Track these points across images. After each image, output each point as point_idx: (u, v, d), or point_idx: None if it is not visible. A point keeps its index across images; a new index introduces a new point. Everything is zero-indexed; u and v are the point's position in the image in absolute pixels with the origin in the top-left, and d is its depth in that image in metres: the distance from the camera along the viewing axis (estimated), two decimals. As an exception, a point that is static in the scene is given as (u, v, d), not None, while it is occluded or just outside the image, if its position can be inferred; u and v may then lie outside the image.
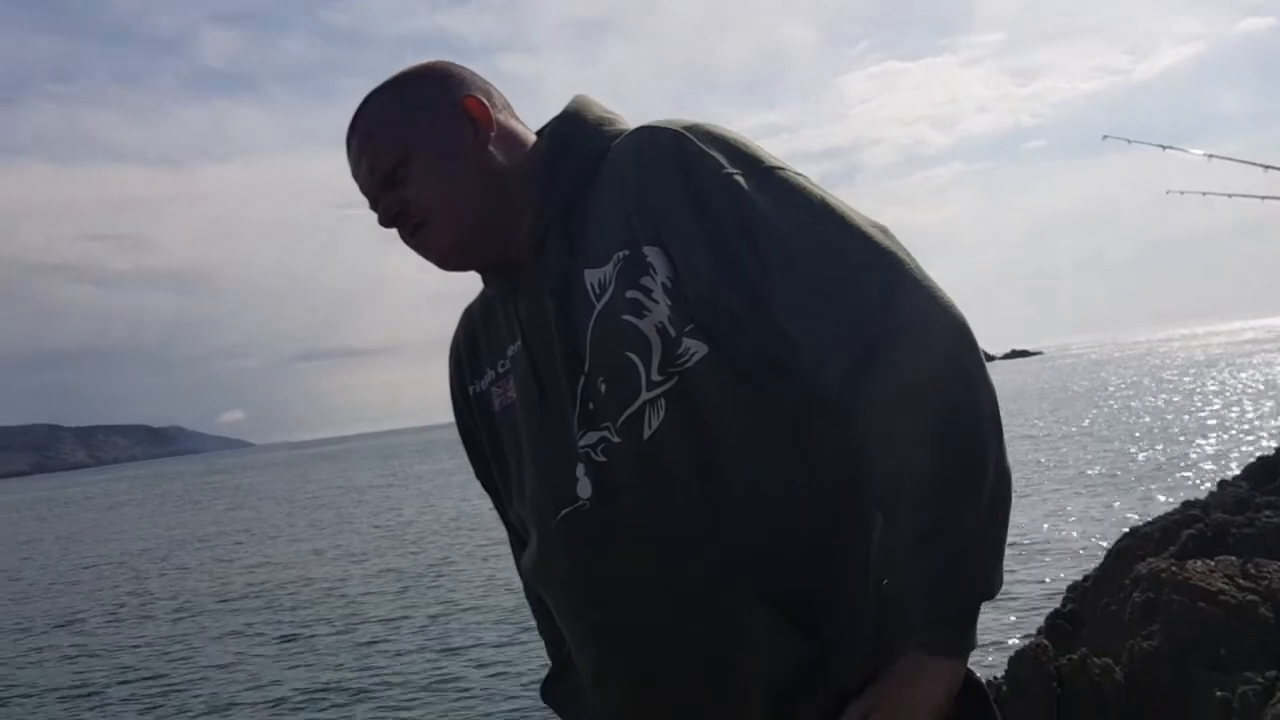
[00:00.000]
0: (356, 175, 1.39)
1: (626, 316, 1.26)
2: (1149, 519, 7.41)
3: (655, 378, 1.25)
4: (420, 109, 1.37)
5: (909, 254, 1.22)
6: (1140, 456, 22.25)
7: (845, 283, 1.19)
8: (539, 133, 1.43)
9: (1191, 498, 8.39)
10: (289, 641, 14.11)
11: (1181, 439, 24.96)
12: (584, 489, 1.30)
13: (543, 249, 1.35)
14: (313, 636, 14.19)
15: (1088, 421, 32.32)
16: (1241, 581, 5.03)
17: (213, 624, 16.32)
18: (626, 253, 1.27)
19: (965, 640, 1.21)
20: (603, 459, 1.28)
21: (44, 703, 12.52)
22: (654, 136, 1.28)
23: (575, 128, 1.39)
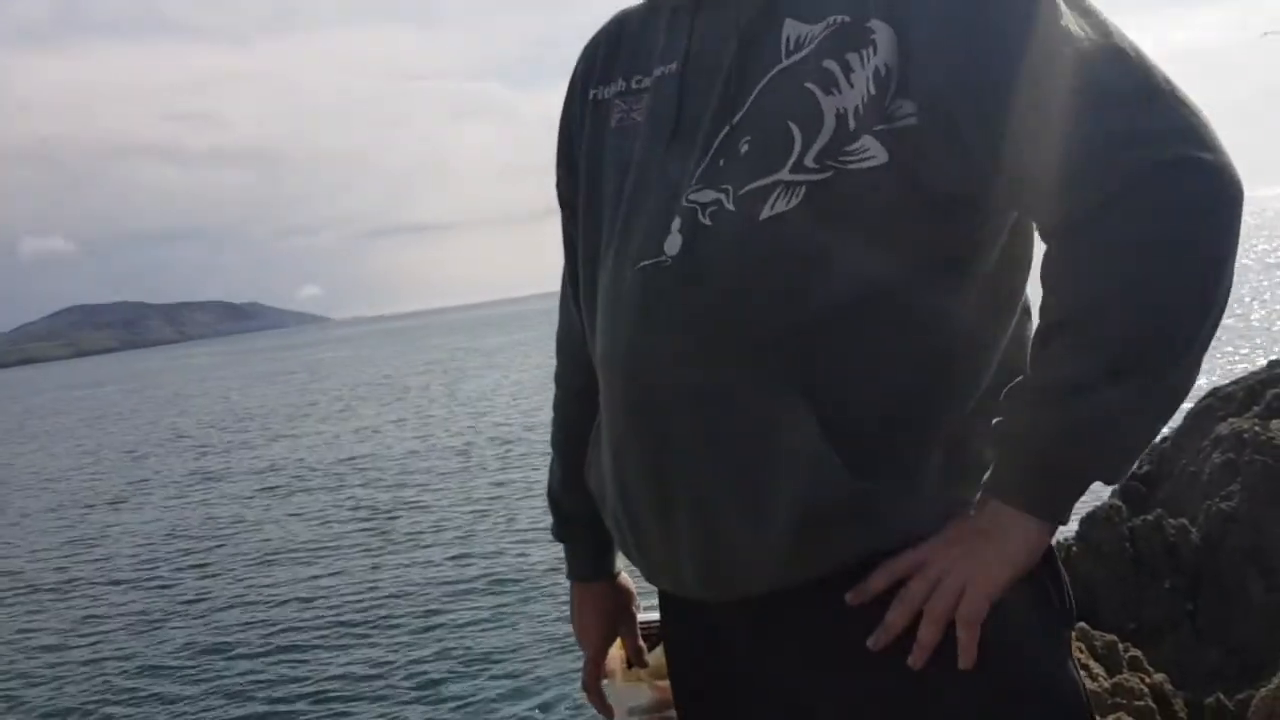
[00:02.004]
0: None
1: (810, 84, 1.11)
2: (1232, 378, 7.21)
3: (809, 163, 1.11)
4: None
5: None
6: (1227, 315, 21.71)
7: (1132, 114, 1.03)
8: None
9: (1278, 357, 8.14)
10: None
11: (1269, 300, 24.23)
12: (672, 245, 1.17)
13: None
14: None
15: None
16: (1328, 441, 4.88)
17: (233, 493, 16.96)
18: (846, 19, 1.11)
19: (1066, 509, 1.10)
20: (707, 222, 1.15)
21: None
22: None
23: None
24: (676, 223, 1.18)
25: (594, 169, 1.33)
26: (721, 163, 1.16)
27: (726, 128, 1.16)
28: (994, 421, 1.15)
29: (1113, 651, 3.85)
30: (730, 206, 1.14)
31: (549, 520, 1.57)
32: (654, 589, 1.39)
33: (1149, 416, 1.08)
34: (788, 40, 1.14)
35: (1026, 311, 1.25)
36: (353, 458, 20.15)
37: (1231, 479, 4.84)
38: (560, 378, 1.55)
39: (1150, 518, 4.83)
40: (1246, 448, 4.88)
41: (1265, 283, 28.49)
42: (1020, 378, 1.12)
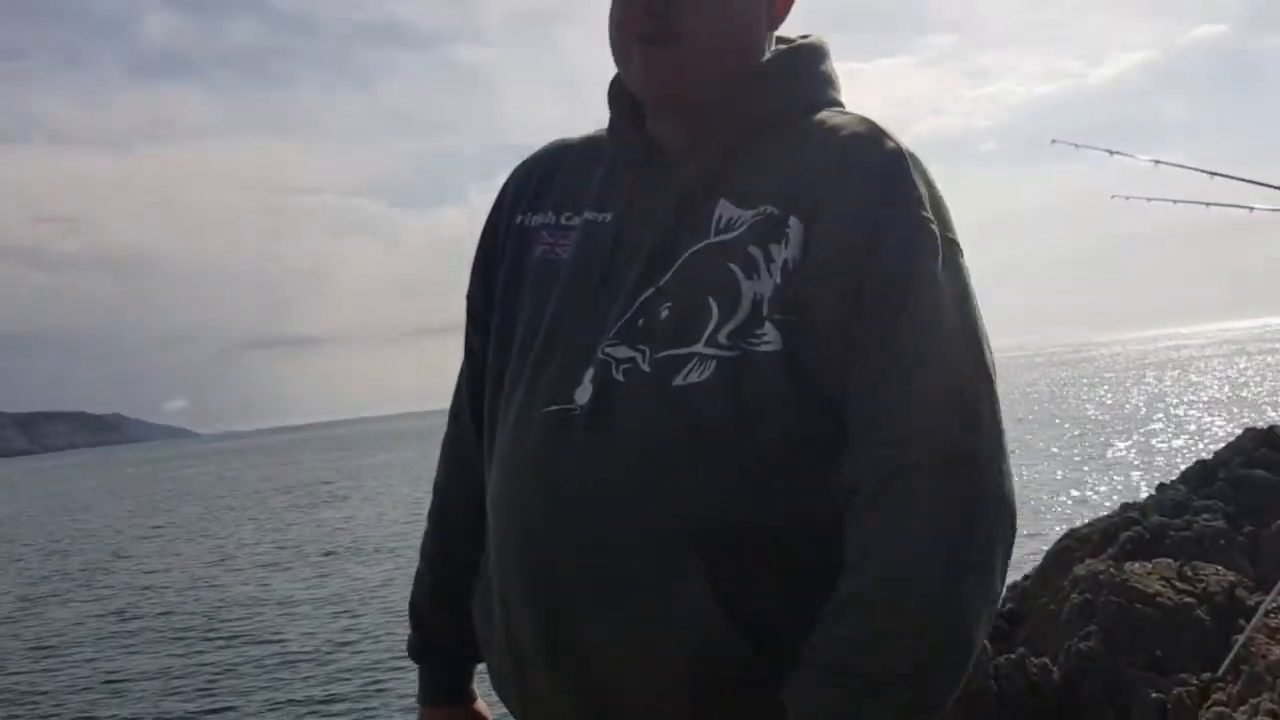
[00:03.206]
0: None
1: (733, 265, 1.17)
2: (1087, 521, 7.50)
3: (722, 339, 1.15)
4: None
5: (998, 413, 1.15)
6: (1079, 458, 22.59)
7: (943, 408, 1.10)
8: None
9: (1130, 500, 8.50)
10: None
11: (1120, 441, 25.37)
12: (583, 395, 1.20)
13: (702, 149, 1.24)
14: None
15: (1028, 424, 32.74)
16: (1178, 584, 5.09)
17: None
18: (775, 211, 1.17)
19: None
20: (620, 378, 1.18)
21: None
22: (881, 134, 1.19)
23: (810, 65, 1.30)
24: (590, 373, 1.20)
25: (511, 295, 1.34)
26: (640, 322, 1.19)
27: (651, 289, 1.20)
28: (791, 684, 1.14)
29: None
30: (645, 367, 1.17)
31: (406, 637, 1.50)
32: None
33: None
34: (719, 219, 1.20)
35: None
36: (194, 586, 18.94)
37: (1089, 620, 5.00)
38: (441, 489, 1.51)
39: (1014, 656, 4.94)
40: (1103, 589, 5.06)
41: (1120, 424, 29.88)
42: (820, 644, 1.11)
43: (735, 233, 1.19)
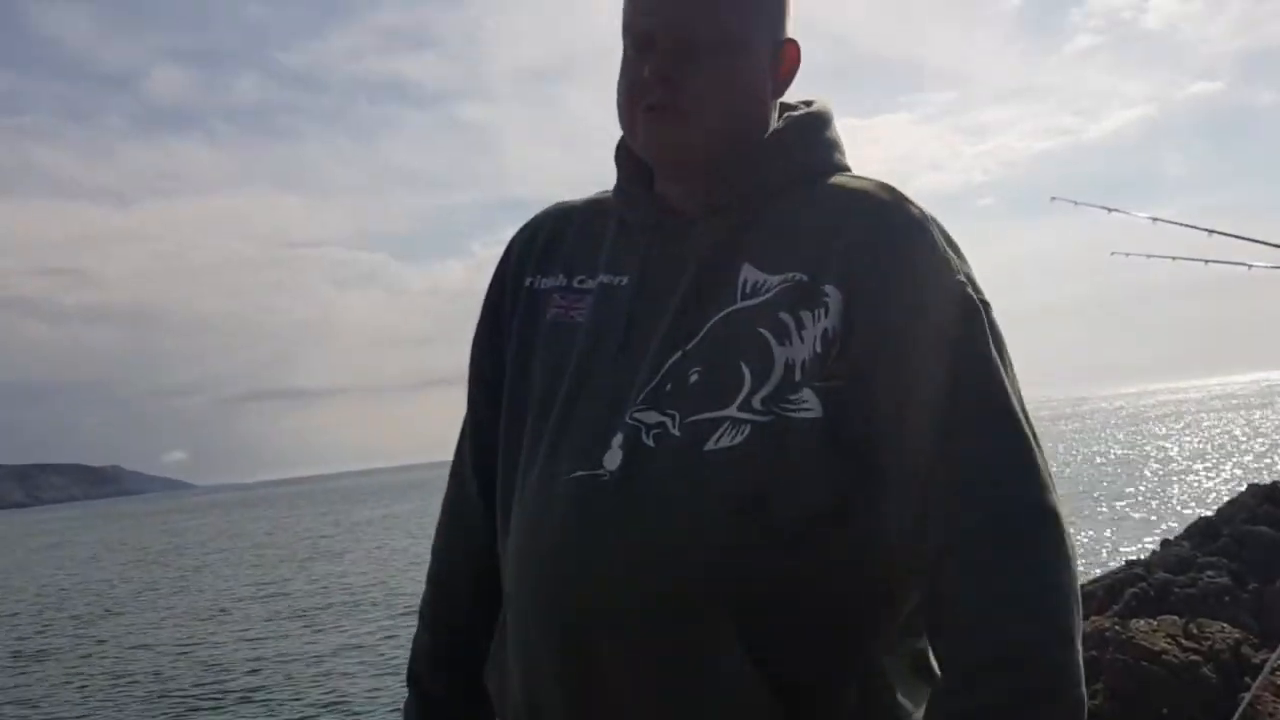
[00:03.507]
0: (657, 1, 1.23)
1: (764, 330, 1.16)
2: (1092, 577, 7.44)
3: (755, 404, 1.15)
4: (769, 15, 1.27)
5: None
6: (1083, 513, 22.49)
7: (1027, 470, 1.11)
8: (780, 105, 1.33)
9: (1134, 556, 8.45)
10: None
11: (1124, 496, 25.29)
12: (612, 460, 1.18)
13: (718, 213, 1.24)
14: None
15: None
16: (1184, 641, 5.04)
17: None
18: (805, 278, 1.17)
19: None
20: (650, 443, 1.17)
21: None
22: (904, 200, 1.21)
23: (817, 131, 1.31)
24: (618, 438, 1.18)
25: (523, 358, 1.33)
26: (669, 387, 1.18)
27: (678, 354, 1.19)
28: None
29: None
30: (675, 432, 1.16)
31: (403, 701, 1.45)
32: None
33: None
34: (744, 283, 1.20)
35: None
36: (185, 642, 18.67)
37: (1095, 677, 4.94)
38: (441, 551, 1.47)
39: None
40: (1108, 646, 5.01)
41: (1122, 478, 29.78)
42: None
43: (763, 298, 1.18)
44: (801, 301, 1.16)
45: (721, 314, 1.20)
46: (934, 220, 1.20)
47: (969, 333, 1.15)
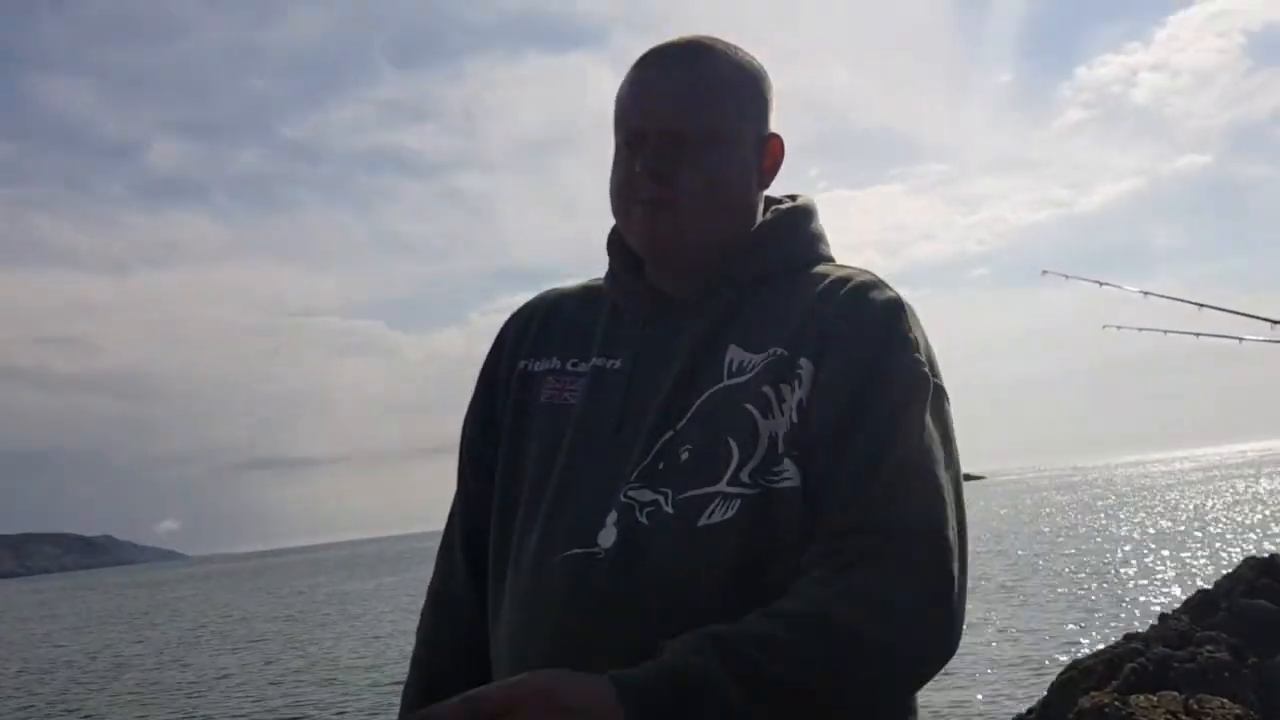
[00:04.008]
0: (647, 100, 1.28)
1: (749, 405, 1.21)
2: (1090, 651, 7.36)
3: (744, 478, 1.19)
4: (754, 112, 1.33)
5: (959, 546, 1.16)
6: (1079, 586, 22.33)
7: (929, 526, 1.13)
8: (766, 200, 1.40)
9: (1132, 629, 8.38)
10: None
11: (1119, 567, 25.14)
12: (606, 538, 1.21)
13: (706, 300, 1.30)
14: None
15: (1028, 549, 32.46)
16: (1184, 718, 4.98)
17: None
18: (784, 353, 1.22)
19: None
20: (644, 521, 1.19)
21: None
22: (882, 284, 1.27)
23: (802, 224, 1.37)
24: (613, 516, 1.21)
25: (517, 438, 1.36)
26: (661, 466, 1.22)
27: (670, 432, 1.23)
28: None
29: None
30: (669, 509, 1.19)
31: None
32: None
33: None
34: (731, 363, 1.24)
35: None
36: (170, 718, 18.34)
37: (1096, 754, 4.87)
38: (427, 631, 1.47)
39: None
40: (1108, 722, 4.94)
41: (1118, 549, 29.63)
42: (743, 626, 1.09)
43: (748, 375, 1.23)
44: (781, 375, 1.21)
45: (709, 392, 1.23)
46: (908, 306, 1.27)
47: (915, 401, 1.20)
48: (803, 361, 1.21)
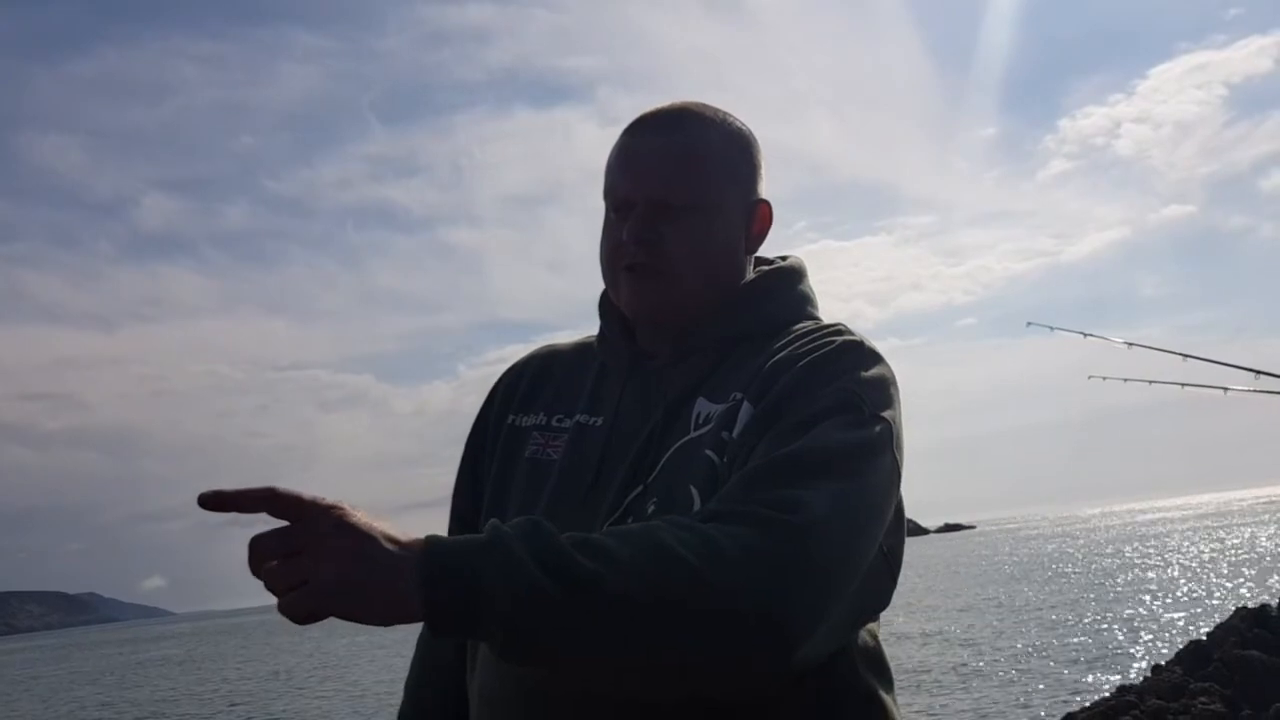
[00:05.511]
0: (634, 168, 1.31)
1: (709, 451, 1.23)
2: (1084, 704, 7.31)
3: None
4: (741, 178, 1.35)
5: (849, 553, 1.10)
6: (1073, 637, 22.21)
7: (782, 515, 1.07)
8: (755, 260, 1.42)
9: (1125, 681, 8.32)
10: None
11: (1112, 619, 25.01)
12: None
13: (688, 358, 1.32)
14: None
15: (1019, 599, 32.30)
16: (1180, 771, 4.93)
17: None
18: (739, 395, 1.25)
19: (447, 617, 0.98)
20: None
21: None
22: (845, 329, 1.29)
23: (790, 285, 1.39)
24: None
25: (499, 494, 1.38)
26: (630, 520, 1.22)
27: (640, 487, 1.25)
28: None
29: None
30: None
31: None
32: None
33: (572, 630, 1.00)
34: (698, 415, 1.27)
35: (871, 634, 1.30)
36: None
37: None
38: (412, 689, 1.49)
39: None
40: (1103, 776, 4.88)
41: (1110, 598, 29.49)
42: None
43: (710, 425, 1.25)
44: (732, 418, 1.23)
45: (676, 446, 1.26)
46: (869, 349, 1.26)
47: (826, 419, 1.16)
48: (746, 403, 1.22)
